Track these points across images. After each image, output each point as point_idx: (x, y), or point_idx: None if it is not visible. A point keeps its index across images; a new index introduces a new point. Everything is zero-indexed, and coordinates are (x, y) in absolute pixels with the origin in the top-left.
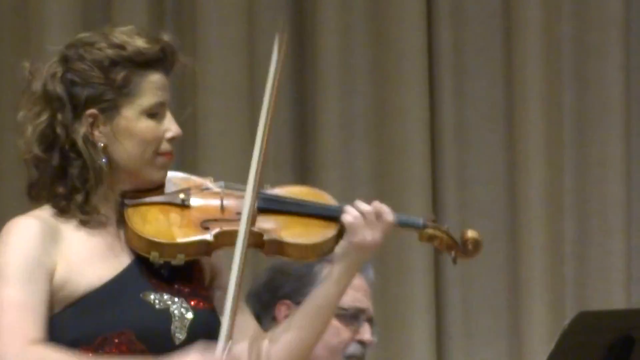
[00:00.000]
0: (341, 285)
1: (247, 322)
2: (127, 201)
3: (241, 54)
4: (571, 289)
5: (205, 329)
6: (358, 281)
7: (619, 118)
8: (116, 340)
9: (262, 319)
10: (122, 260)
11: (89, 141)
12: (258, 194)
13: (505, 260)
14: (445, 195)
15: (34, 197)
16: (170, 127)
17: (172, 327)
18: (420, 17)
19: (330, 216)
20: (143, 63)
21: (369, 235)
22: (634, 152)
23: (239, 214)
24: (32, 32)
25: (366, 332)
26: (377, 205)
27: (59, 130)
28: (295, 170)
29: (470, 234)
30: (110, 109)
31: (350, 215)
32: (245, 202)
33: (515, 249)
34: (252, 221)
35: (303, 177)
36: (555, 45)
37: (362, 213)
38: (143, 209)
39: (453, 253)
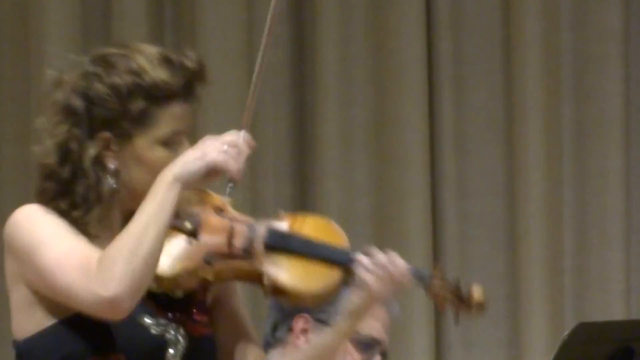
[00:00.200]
0: (343, 336)
1: (251, 348)
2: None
3: (240, 64)
4: (570, 300)
5: (200, 357)
6: (380, 312)
7: (618, 129)
8: None
9: (279, 327)
10: None
11: (99, 162)
12: (266, 228)
13: (505, 271)
14: (444, 206)
15: (44, 204)
16: None
17: (167, 354)
18: (420, 28)
19: (337, 262)
20: (162, 96)
21: (383, 288)
22: (633, 164)
23: (244, 251)
24: (31, 42)
25: None
26: (392, 256)
27: (73, 145)
28: (294, 180)
29: (476, 293)
30: (123, 136)
31: (364, 268)
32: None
33: (515, 260)
34: (254, 260)
35: (302, 187)
36: (554, 56)
37: (377, 265)
38: None
39: (455, 311)
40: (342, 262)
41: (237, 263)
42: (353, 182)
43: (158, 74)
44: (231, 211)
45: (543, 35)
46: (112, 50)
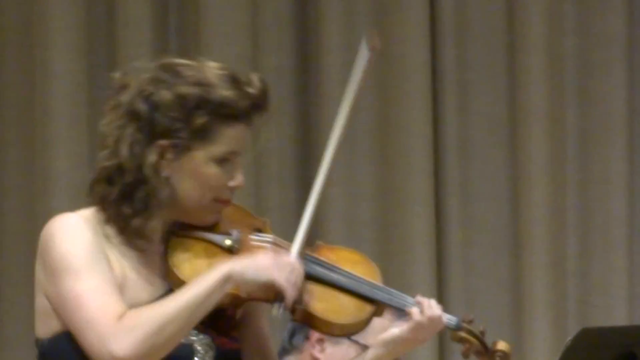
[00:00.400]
0: None
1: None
2: (177, 230)
3: (245, 70)
4: (574, 305)
5: None
6: None
7: (622, 135)
8: None
9: (296, 334)
10: (156, 288)
11: (155, 170)
12: (304, 256)
13: (508, 276)
14: (448, 211)
15: (102, 208)
16: (236, 176)
17: None
18: (424, 34)
19: (369, 298)
20: (226, 115)
21: (422, 335)
22: (636, 169)
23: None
24: (36, 50)
25: None
26: (435, 309)
27: (135, 149)
28: (298, 186)
29: (501, 345)
30: (181, 147)
31: (419, 312)
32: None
33: (518, 265)
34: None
35: (306, 193)
36: (558, 62)
37: (429, 314)
38: (189, 242)
39: (479, 359)
40: (374, 299)
41: None
42: (357, 187)
43: (226, 92)
44: (270, 233)
45: (547, 40)
46: (182, 61)
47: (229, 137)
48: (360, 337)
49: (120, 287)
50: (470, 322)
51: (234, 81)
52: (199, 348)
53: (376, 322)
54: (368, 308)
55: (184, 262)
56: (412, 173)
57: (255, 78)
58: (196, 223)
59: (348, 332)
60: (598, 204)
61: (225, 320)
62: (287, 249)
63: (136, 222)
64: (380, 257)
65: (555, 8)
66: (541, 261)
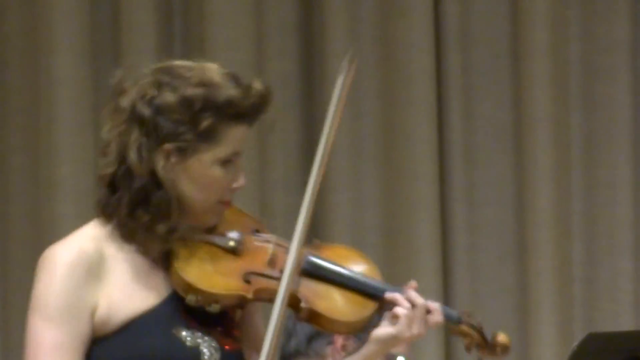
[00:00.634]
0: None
1: None
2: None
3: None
4: (580, 310)
5: None
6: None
7: (627, 140)
8: None
9: (316, 339)
10: (160, 292)
11: (164, 173)
12: (306, 256)
13: (514, 281)
14: (453, 216)
15: (107, 216)
16: (238, 177)
17: None
18: (429, 40)
19: (372, 295)
20: (232, 115)
21: (415, 330)
22: None
23: (282, 272)
24: (40, 56)
25: None
26: (430, 303)
27: (143, 154)
28: (304, 192)
29: (501, 338)
30: (186, 149)
31: (402, 307)
32: (287, 266)
33: (524, 271)
34: (293, 283)
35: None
36: (563, 67)
37: (414, 308)
38: (192, 245)
39: (480, 353)
40: (376, 296)
41: (276, 284)
42: (362, 193)
43: (231, 91)
44: (268, 233)
45: (551, 46)
46: (182, 63)
47: (233, 138)
48: None
49: (122, 305)
50: (469, 315)
51: (237, 80)
52: (205, 350)
53: None
54: (371, 304)
55: (189, 264)
56: (417, 178)
57: (254, 79)
58: (197, 225)
59: (353, 329)
60: (603, 209)
61: (228, 320)
62: (288, 248)
63: (161, 228)
64: (385, 262)
65: (559, 14)
66: (547, 266)
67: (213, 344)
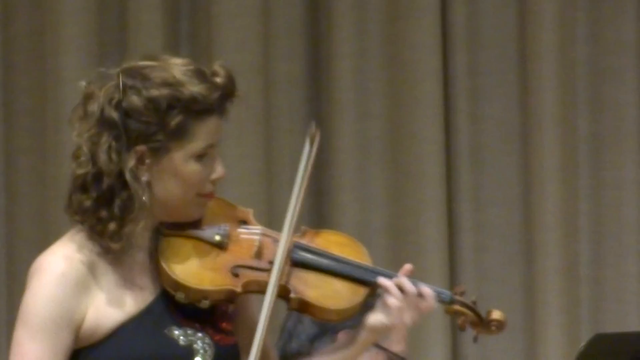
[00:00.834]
0: (360, 351)
1: (269, 352)
2: (164, 231)
3: (257, 79)
4: (586, 311)
5: None
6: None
7: (634, 141)
8: None
9: (319, 338)
10: (150, 292)
11: (134, 176)
12: (294, 245)
13: (521, 282)
14: (460, 217)
15: (79, 217)
16: (216, 168)
17: None
18: (435, 40)
19: (362, 280)
20: (200, 110)
21: (407, 317)
22: None
23: (271, 263)
24: (47, 55)
25: None
26: (422, 287)
27: (113, 156)
28: (311, 193)
29: (496, 314)
30: (159, 150)
31: (393, 296)
32: (278, 256)
33: (531, 272)
34: (282, 275)
35: (318, 200)
36: (570, 68)
37: (405, 294)
38: (178, 242)
39: (475, 331)
40: (367, 281)
41: (264, 276)
42: (369, 194)
43: (195, 87)
44: (256, 224)
45: (558, 47)
46: (145, 62)
47: (204, 131)
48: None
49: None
50: (462, 294)
51: (200, 75)
52: (198, 347)
53: None
54: (362, 291)
55: (176, 262)
56: (424, 179)
57: (218, 67)
58: (182, 220)
59: (344, 316)
60: (610, 210)
61: (219, 315)
62: (276, 238)
63: (112, 225)
64: (392, 263)
65: (567, 15)
66: (554, 267)
67: (206, 340)
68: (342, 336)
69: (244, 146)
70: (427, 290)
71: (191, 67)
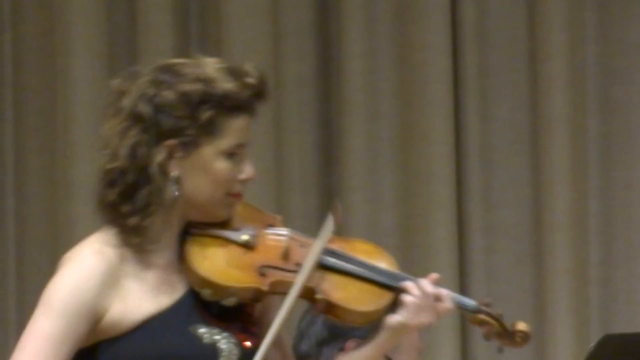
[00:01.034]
0: (381, 352)
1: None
2: (192, 230)
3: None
4: (596, 311)
5: None
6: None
7: None
8: None
9: (327, 344)
10: (177, 290)
11: (162, 170)
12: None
13: (530, 283)
14: (470, 218)
15: (108, 211)
16: (245, 168)
17: None
18: (445, 41)
19: (388, 285)
20: (231, 107)
21: (424, 317)
22: None
23: (298, 264)
24: (57, 57)
25: None
26: (440, 289)
27: (142, 150)
28: (321, 193)
29: (520, 326)
30: (189, 144)
31: (411, 295)
32: (305, 266)
33: (540, 272)
34: (309, 277)
35: (329, 200)
36: (580, 69)
37: (423, 294)
38: (205, 240)
39: (500, 342)
40: (392, 286)
41: (291, 277)
42: (379, 194)
43: (227, 84)
44: (282, 227)
45: (568, 47)
46: (180, 60)
47: (234, 129)
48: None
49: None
50: (487, 305)
51: (233, 73)
52: (223, 347)
53: None
54: (387, 295)
55: (203, 259)
56: (434, 180)
57: (251, 68)
58: (210, 220)
59: (369, 319)
60: (620, 211)
61: (245, 317)
62: (302, 242)
63: (133, 220)
64: (402, 263)
65: (576, 16)
66: (563, 268)
67: (232, 340)
68: (350, 345)
69: (253, 146)
70: (445, 291)
71: (224, 66)
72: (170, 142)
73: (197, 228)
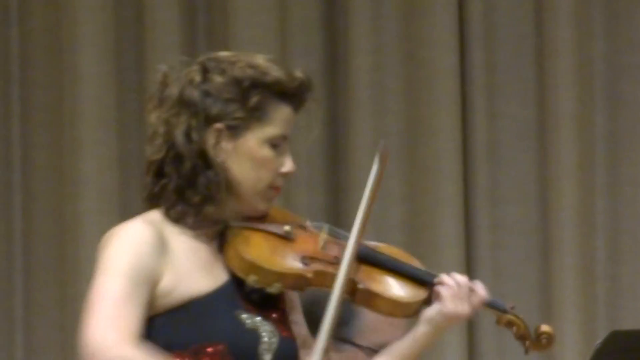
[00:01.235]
0: (420, 346)
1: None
2: (232, 222)
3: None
4: (603, 308)
5: (289, 356)
6: None
7: None
8: (209, 350)
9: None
10: (220, 276)
11: (215, 154)
12: (359, 244)
13: (537, 279)
14: (477, 214)
15: (154, 203)
16: (287, 162)
17: (260, 348)
18: (452, 37)
19: (422, 280)
20: (280, 93)
21: (460, 307)
22: None
23: (336, 258)
24: (64, 53)
25: None
26: (476, 283)
27: (193, 135)
28: (328, 190)
29: (545, 328)
30: (237, 128)
31: (446, 285)
32: (347, 251)
33: (547, 269)
34: (350, 268)
35: (336, 197)
36: (587, 65)
37: (457, 285)
38: (247, 232)
39: (526, 343)
40: (427, 280)
41: (332, 269)
42: (386, 191)
43: (278, 72)
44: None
45: (576, 44)
46: (227, 53)
47: (280, 118)
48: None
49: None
50: (512, 308)
51: (282, 67)
52: (263, 334)
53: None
54: (422, 290)
55: (248, 246)
56: (441, 176)
57: (297, 69)
58: (250, 213)
59: (406, 312)
60: (627, 207)
61: (280, 309)
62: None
63: (209, 209)
64: None
65: (583, 12)
66: (570, 264)
67: (270, 329)
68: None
69: None
70: (479, 284)
71: (273, 59)
72: (218, 125)
73: (237, 220)
